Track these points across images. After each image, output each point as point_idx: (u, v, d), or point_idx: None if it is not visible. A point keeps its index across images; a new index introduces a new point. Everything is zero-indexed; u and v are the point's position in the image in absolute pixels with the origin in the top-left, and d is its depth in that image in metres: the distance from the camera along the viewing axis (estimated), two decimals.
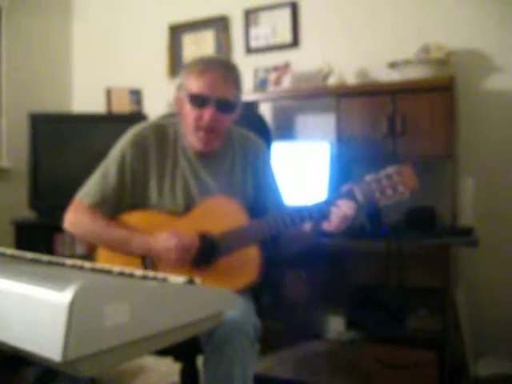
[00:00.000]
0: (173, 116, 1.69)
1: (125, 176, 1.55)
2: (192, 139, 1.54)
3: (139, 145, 1.56)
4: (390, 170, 1.44)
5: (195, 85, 1.49)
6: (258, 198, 1.64)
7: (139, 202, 1.57)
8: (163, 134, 1.59)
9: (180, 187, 1.56)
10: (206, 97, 1.48)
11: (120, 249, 1.51)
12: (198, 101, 1.49)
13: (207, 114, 1.48)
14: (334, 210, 1.44)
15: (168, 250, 1.42)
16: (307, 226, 1.52)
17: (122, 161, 1.55)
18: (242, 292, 1.46)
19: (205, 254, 1.47)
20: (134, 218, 1.55)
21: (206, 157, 1.58)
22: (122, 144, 1.58)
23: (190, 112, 1.51)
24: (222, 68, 1.51)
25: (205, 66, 1.50)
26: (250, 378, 1.34)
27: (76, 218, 1.56)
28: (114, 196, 1.55)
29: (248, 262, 1.49)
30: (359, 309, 2.34)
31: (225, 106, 1.50)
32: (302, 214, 1.47)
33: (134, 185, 1.56)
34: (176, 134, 1.60)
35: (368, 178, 1.45)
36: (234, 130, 1.65)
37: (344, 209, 1.42)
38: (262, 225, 1.49)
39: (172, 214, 1.54)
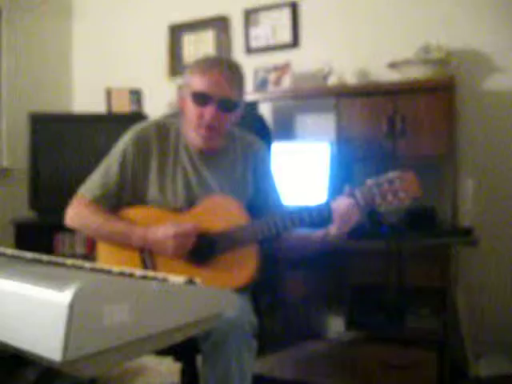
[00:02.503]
0: (174, 116, 1.70)
1: (126, 173, 1.57)
2: (193, 136, 1.56)
3: (141, 142, 1.57)
4: (392, 174, 1.43)
5: (199, 83, 1.50)
6: (258, 199, 1.65)
7: (140, 199, 1.58)
8: (165, 132, 1.61)
9: (181, 184, 1.57)
10: (209, 95, 1.49)
11: (119, 241, 1.52)
12: (201, 99, 1.50)
13: (209, 112, 1.49)
14: (334, 207, 1.44)
15: (166, 238, 1.44)
16: (318, 236, 1.52)
17: (124, 158, 1.57)
18: (240, 290, 1.46)
19: (203, 252, 1.48)
20: (133, 213, 1.57)
21: (207, 155, 1.60)
22: (124, 141, 1.59)
23: (192, 109, 1.52)
24: (226, 68, 1.51)
25: (210, 64, 1.52)
26: (247, 376, 1.34)
27: (76, 213, 1.58)
28: (114, 192, 1.57)
29: (246, 261, 1.49)
30: (359, 309, 2.34)
31: (226, 105, 1.51)
32: (301, 214, 1.48)
33: (135, 182, 1.57)
34: (178, 132, 1.62)
35: (369, 181, 1.44)
36: (236, 131, 1.66)
37: (343, 205, 1.43)
38: (261, 225, 1.49)
39: (172, 211, 1.55)
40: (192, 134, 1.56)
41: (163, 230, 1.46)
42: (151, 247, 1.49)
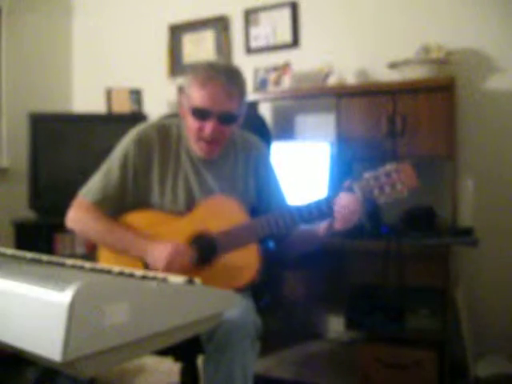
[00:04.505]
0: (175, 116, 1.69)
1: (127, 175, 1.56)
2: (194, 147, 1.56)
3: (143, 145, 1.56)
4: (389, 167, 1.44)
5: (198, 97, 1.47)
6: (262, 200, 1.64)
7: (141, 202, 1.57)
8: (167, 134, 1.60)
9: (182, 188, 1.56)
10: (208, 110, 1.47)
11: (121, 251, 1.51)
12: (200, 114, 1.48)
13: (209, 126, 1.48)
14: (336, 204, 1.44)
15: (166, 257, 1.41)
16: (321, 229, 1.52)
17: (125, 160, 1.56)
18: (242, 291, 1.46)
19: (204, 253, 1.48)
20: (135, 217, 1.56)
21: (208, 159, 1.58)
22: (126, 143, 1.58)
23: (191, 122, 1.51)
24: (225, 79, 1.47)
25: (208, 76, 1.47)
26: (250, 378, 1.34)
27: (78, 216, 1.57)
28: (115, 195, 1.55)
29: (248, 261, 1.49)
30: (359, 309, 2.34)
31: (227, 118, 1.49)
32: (302, 212, 1.48)
33: (136, 184, 1.56)
34: (179, 134, 1.61)
35: (367, 174, 1.45)
36: (237, 133, 1.65)
37: (345, 202, 1.43)
38: (262, 223, 1.49)
39: (173, 214, 1.54)
40: (192, 145, 1.55)
41: (163, 249, 1.43)
42: (150, 264, 1.47)
